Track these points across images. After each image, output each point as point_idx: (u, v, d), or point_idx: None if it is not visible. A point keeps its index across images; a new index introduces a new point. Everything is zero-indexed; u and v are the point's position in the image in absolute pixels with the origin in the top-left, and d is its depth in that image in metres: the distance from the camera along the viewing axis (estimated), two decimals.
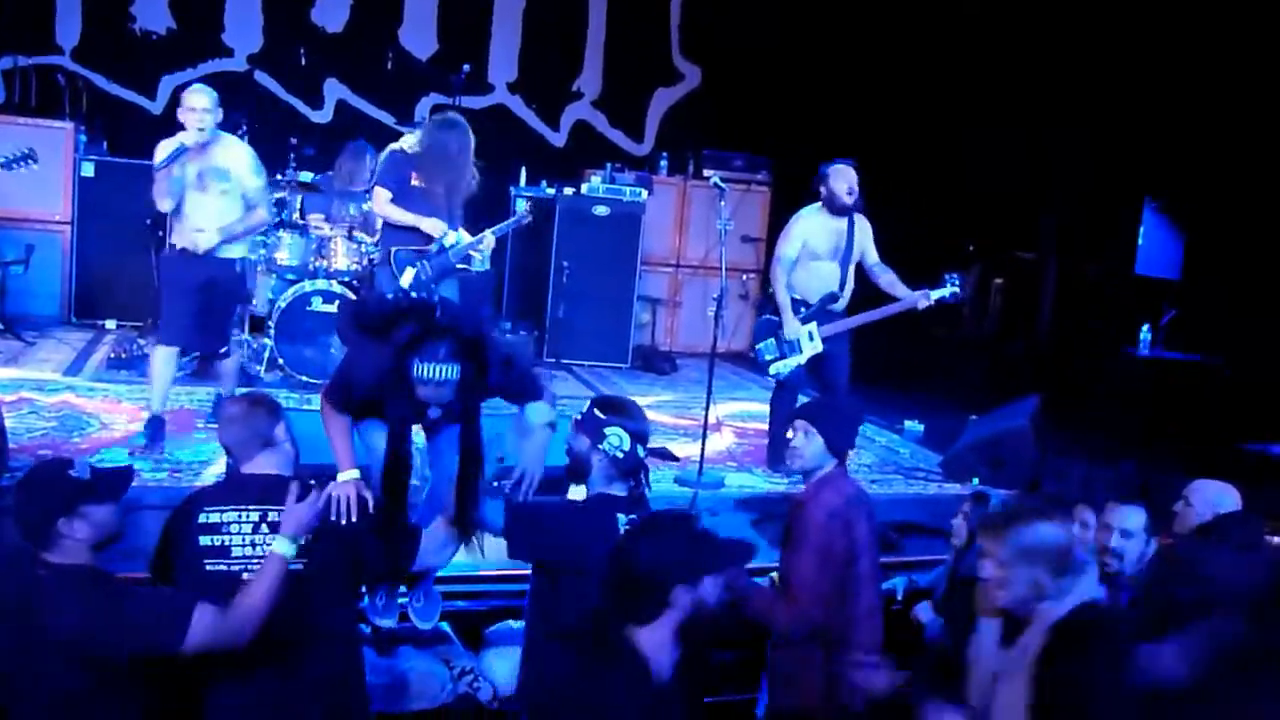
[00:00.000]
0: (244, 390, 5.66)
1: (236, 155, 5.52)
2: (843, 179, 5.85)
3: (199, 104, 5.34)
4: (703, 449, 5.74)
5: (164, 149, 5.34)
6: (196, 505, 3.16)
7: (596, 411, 3.38)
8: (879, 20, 9.38)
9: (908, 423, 7.46)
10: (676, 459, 3.56)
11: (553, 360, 8.54)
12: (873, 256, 6.01)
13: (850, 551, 3.53)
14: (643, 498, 3.43)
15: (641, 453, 3.36)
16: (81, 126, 8.49)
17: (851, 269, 5.99)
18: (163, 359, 5.56)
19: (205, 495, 3.25)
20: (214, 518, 3.10)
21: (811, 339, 5.83)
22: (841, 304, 5.97)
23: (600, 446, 3.31)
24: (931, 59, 9.19)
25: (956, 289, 5.84)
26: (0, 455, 4.67)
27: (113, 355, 7.32)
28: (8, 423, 5.09)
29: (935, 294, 5.79)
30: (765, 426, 6.34)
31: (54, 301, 8.34)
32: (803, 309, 5.87)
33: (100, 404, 6.29)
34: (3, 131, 7.62)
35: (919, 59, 9.24)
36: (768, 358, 5.92)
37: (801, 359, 5.85)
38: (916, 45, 9.25)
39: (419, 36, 9.93)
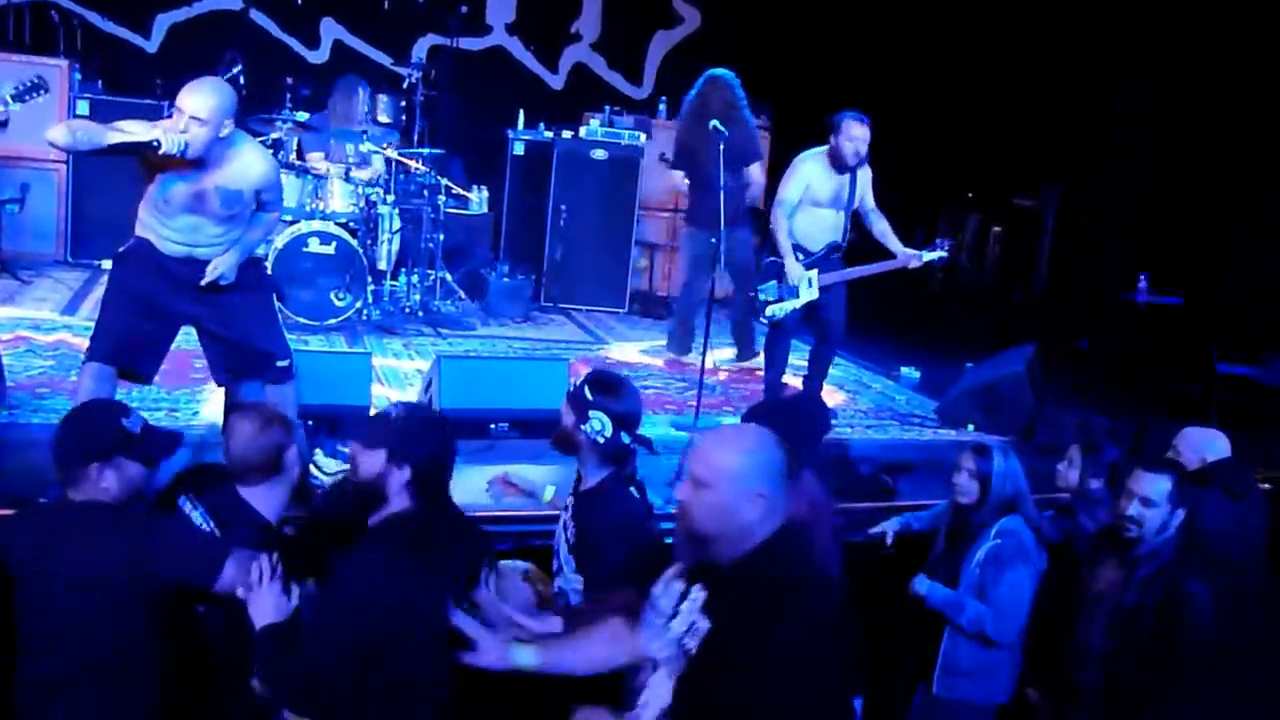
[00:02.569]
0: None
1: (254, 171, 4.15)
2: (852, 140, 5.74)
3: (191, 107, 3.91)
4: (699, 394, 5.76)
5: (133, 134, 3.87)
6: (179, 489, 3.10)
7: (586, 390, 3.27)
8: None
9: (904, 369, 7.49)
10: (655, 451, 3.45)
11: (550, 304, 8.54)
12: (869, 202, 5.99)
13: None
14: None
15: (625, 438, 3.24)
16: (76, 64, 8.39)
17: (850, 216, 5.98)
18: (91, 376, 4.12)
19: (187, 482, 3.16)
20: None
21: (810, 285, 5.83)
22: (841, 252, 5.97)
23: (583, 427, 3.21)
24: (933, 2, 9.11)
25: (945, 254, 5.97)
26: None
27: None
28: (5, 361, 5.11)
29: (926, 256, 5.87)
30: (761, 372, 6.36)
31: (49, 240, 8.30)
32: (801, 255, 5.86)
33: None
34: (2, 70, 7.53)
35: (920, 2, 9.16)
36: (765, 299, 5.93)
37: (798, 304, 5.86)
38: None
39: None
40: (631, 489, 3.31)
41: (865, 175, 5.92)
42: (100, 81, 8.58)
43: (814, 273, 5.84)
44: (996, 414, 6.14)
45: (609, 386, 3.31)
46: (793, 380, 6.35)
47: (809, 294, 5.84)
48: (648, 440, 3.39)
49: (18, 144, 7.86)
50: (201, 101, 3.91)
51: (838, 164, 5.81)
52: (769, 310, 5.93)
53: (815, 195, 5.85)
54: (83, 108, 8.18)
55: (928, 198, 9.80)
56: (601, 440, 3.21)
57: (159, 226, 4.13)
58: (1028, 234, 9.38)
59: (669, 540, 3.28)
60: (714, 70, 6.96)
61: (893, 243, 5.94)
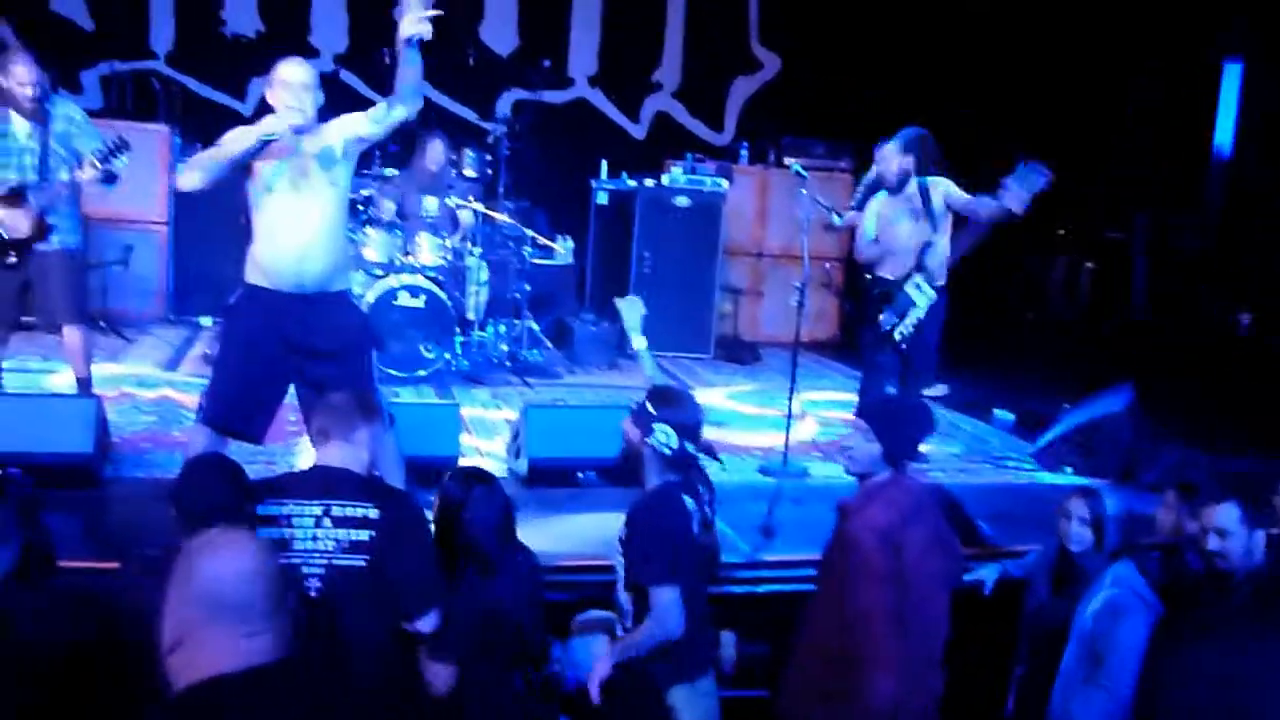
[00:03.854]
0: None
1: (336, 126, 4.17)
2: (885, 161, 5.83)
3: (298, 77, 4.07)
4: (786, 438, 5.71)
5: (242, 137, 4.04)
6: (255, 498, 3.16)
7: (648, 405, 3.39)
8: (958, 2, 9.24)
9: (997, 411, 7.33)
10: (717, 457, 3.55)
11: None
12: (962, 199, 5.72)
13: (900, 577, 3.32)
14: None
15: (690, 448, 3.36)
16: (176, 129, 8.74)
17: (940, 231, 5.79)
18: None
19: (264, 487, 3.23)
20: (272, 510, 3.10)
21: (920, 288, 5.75)
22: (936, 261, 5.81)
23: (648, 440, 3.33)
24: (1010, 41, 9.02)
25: (1039, 176, 5.15)
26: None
27: (208, 351, 7.53)
28: (110, 416, 5.28)
29: (1014, 187, 5.16)
30: (848, 415, 6.27)
31: (152, 299, 8.61)
32: (890, 275, 5.80)
33: (197, 398, 6.46)
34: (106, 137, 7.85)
35: (998, 41, 9.07)
36: (888, 327, 5.80)
37: (920, 311, 5.74)
38: (996, 27, 9.08)
39: (500, 33, 10.03)
40: (687, 497, 3.36)
41: (939, 186, 5.79)
42: (199, 145, 8.89)
43: (918, 276, 5.76)
44: (1095, 457, 5.97)
45: (670, 399, 3.46)
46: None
47: (924, 296, 5.74)
48: (710, 447, 3.53)
49: (121, 207, 8.20)
50: (306, 71, 4.10)
51: (889, 188, 5.83)
52: (897, 333, 5.79)
53: (890, 219, 5.80)
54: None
55: (1016, 233, 9.63)
56: (668, 451, 3.33)
57: (269, 253, 4.14)
58: (1119, 268, 9.16)
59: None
60: (916, 128, 6.82)
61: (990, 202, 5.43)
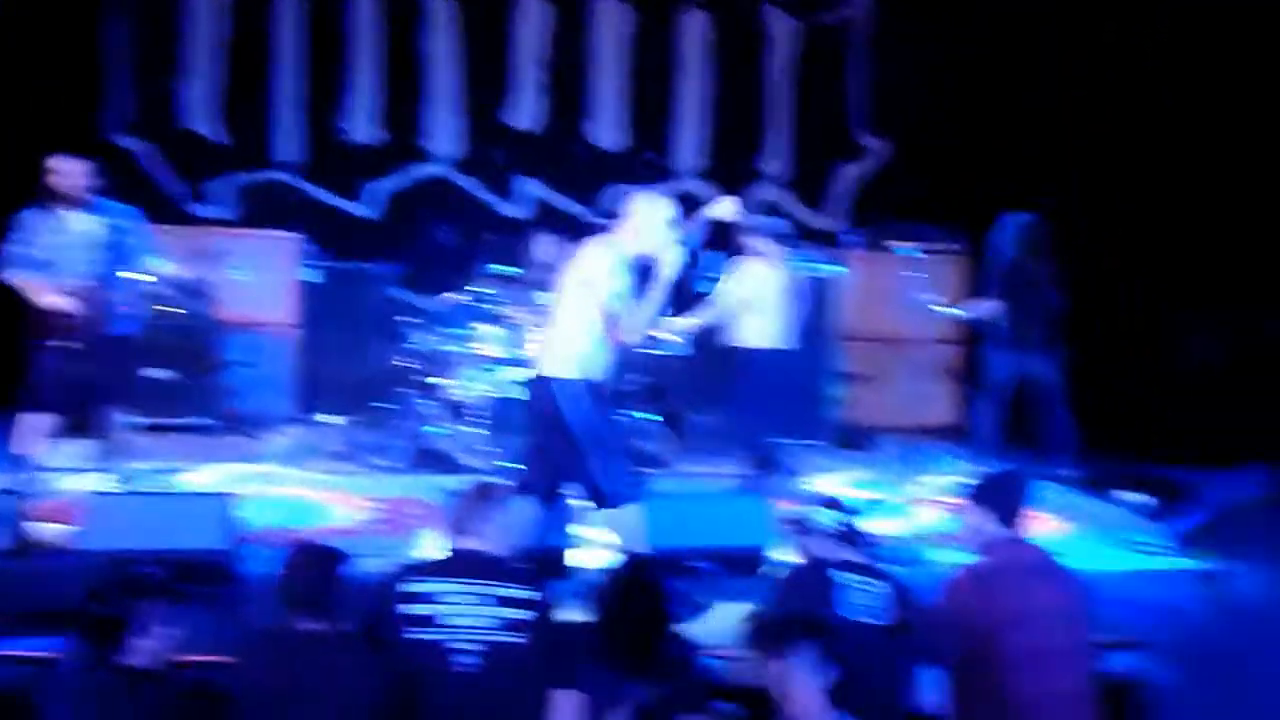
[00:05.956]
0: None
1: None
2: None
3: (664, 211, 4.83)
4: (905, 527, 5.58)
5: (610, 265, 4.71)
6: (404, 577, 3.33)
7: None
8: (1061, 84, 9.17)
9: (1129, 495, 7.02)
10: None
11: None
12: None
13: (993, 626, 3.28)
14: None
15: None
16: (306, 237, 9.10)
17: None
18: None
19: (415, 568, 3.42)
20: (423, 588, 3.24)
21: None
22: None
23: None
24: (1119, 119, 8.90)
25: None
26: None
27: (336, 449, 7.75)
28: (239, 513, 5.44)
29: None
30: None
31: (282, 399, 8.90)
32: None
33: (324, 494, 6.64)
34: (239, 245, 8.25)
35: (1104, 120, 8.96)
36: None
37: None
38: (1099, 110, 8.98)
39: (607, 129, 10.28)
40: None
41: None
42: (326, 250, 9.27)
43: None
44: (1243, 544, 5.67)
45: None
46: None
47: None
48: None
49: (255, 311, 8.57)
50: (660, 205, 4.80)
51: None
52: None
53: None
54: (313, 275, 8.84)
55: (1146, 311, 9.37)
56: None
57: (600, 351, 4.72)
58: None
59: None
60: (1024, 215, 7.47)
61: None
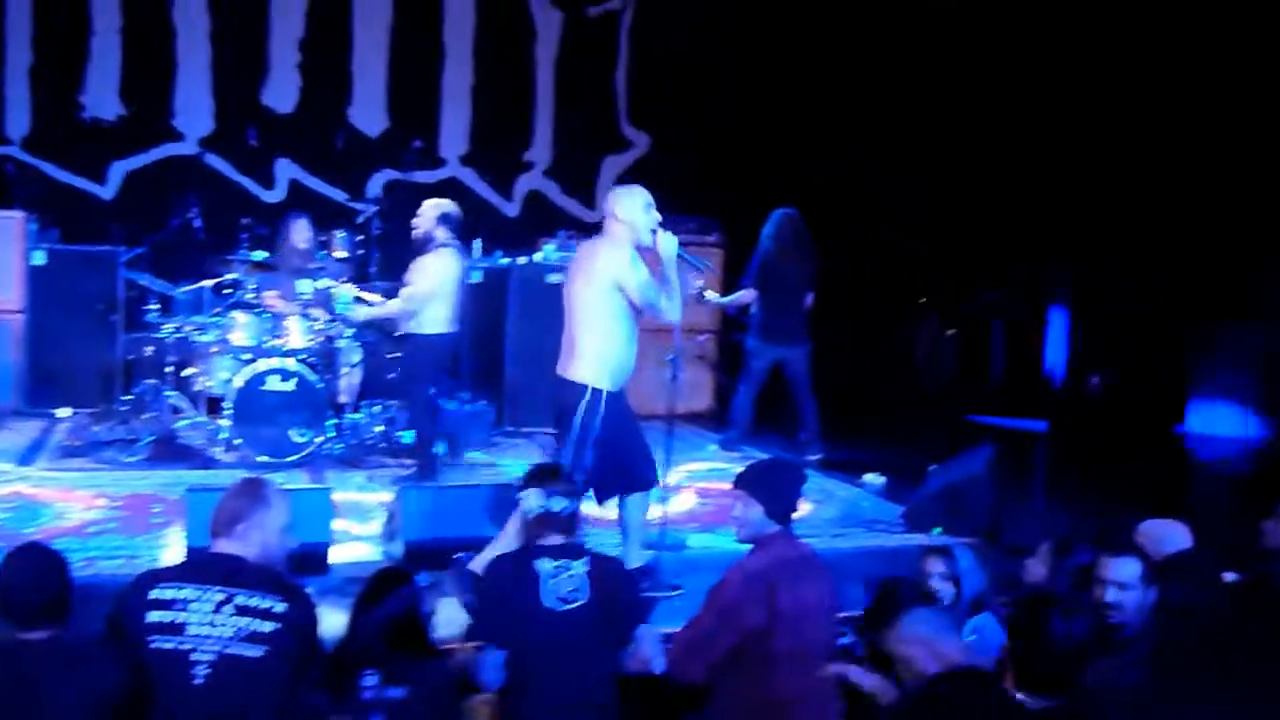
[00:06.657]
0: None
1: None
2: None
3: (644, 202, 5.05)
4: (664, 511, 5.73)
5: (628, 259, 4.93)
6: (151, 582, 3.15)
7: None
8: (817, 77, 9.64)
9: (867, 476, 7.50)
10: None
11: (512, 428, 8.52)
12: None
13: (767, 625, 3.35)
14: None
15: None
16: (32, 215, 8.45)
17: None
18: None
19: (162, 573, 3.24)
20: (168, 594, 3.08)
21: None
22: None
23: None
24: (874, 115, 9.42)
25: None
26: None
27: (66, 443, 7.25)
28: None
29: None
30: (726, 485, 6.34)
31: (6, 390, 8.24)
32: None
33: (53, 492, 6.21)
34: None
35: (860, 115, 9.47)
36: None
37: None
38: (857, 101, 9.49)
39: (369, 114, 10.04)
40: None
41: None
42: (57, 231, 8.64)
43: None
44: (961, 517, 6.15)
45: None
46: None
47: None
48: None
49: None
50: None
51: None
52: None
53: None
54: (38, 258, 8.22)
55: (881, 303, 10.00)
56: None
57: (629, 359, 4.99)
58: (980, 336, 9.57)
59: None
60: (787, 209, 7.79)
61: None
